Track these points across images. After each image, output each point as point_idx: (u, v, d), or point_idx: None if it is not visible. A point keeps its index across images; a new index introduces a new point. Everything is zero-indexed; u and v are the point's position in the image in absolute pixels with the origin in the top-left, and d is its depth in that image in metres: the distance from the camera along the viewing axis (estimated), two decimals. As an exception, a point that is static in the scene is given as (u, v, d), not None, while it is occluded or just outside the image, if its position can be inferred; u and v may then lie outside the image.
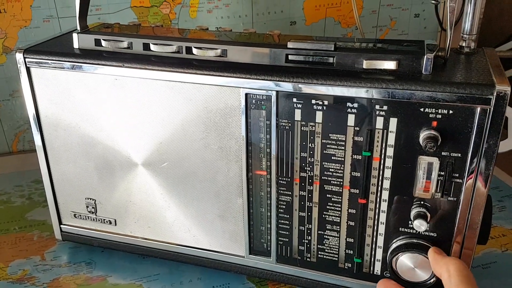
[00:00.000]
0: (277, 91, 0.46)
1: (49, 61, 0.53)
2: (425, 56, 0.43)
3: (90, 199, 0.58)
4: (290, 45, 0.47)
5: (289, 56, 0.47)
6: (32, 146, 0.58)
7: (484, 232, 0.46)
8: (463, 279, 0.40)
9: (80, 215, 0.60)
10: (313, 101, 0.46)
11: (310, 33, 0.91)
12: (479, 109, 0.41)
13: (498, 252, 0.60)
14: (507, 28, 0.95)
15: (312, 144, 0.47)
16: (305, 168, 0.48)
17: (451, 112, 0.42)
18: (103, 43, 0.52)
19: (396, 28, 0.96)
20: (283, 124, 0.47)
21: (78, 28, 0.55)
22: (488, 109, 0.41)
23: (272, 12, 0.89)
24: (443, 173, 0.44)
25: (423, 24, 0.97)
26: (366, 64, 0.44)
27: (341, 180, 0.47)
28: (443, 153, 0.43)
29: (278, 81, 0.46)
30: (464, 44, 0.49)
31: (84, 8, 0.55)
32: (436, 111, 0.42)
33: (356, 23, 0.78)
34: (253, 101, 0.47)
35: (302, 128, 0.47)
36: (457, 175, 0.44)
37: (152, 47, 0.50)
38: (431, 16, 0.96)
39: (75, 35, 0.54)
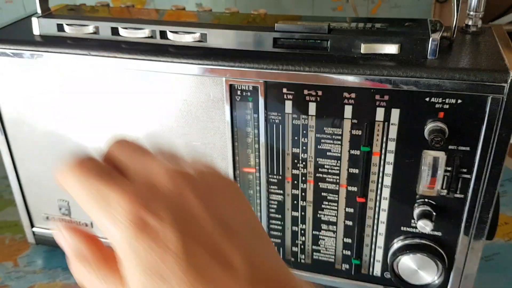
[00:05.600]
0: (265, 81, 0.41)
1: (6, 51, 0.46)
2: (431, 38, 0.38)
3: (63, 200, 0.53)
4: (278, 27, 0.41)
5: (278, 40, 0.42)
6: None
7: (491, 229, 0.43)
8: None
9: (53, 218, 0.55)
10: (306, 92, 0.41)
11: (298, 6, 0.85)
12: (490, 98, 0.37)
13: (501, 243, 0.57)
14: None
15: (305, 139, 0.43)
16: (298, 165, 0.44)
17: (459, 101, 0.38)
18: (66, 28, 0.46)
19: (388, 0, 0.90)
20: (272, 117, 0.43)
21: (39, 11, 0.48)
22: (501, 98, 0.36)
23: (256, -15, 0.82)
24: (450, 168, 0.40)
25: (416, -5, 0.91)
26: (364, 49, 0.39)
27: (338, 177, 0.43)
28: (450, 147, 0.39)
29: (266, 69, 0.40)
30: (470, 23, 0.44)
31: (45, -12, 0.48)
32: (443, 100, 0.38)
33: (347, -3, 0.72)
34: (238, 92, 0.42)
35: (294, 122, 0.42)
36: (465, 170, 0.40)
37: (122, 32, 0.45)
38: (425, -13, 0.90)
39: (34, 20, 0.47)
